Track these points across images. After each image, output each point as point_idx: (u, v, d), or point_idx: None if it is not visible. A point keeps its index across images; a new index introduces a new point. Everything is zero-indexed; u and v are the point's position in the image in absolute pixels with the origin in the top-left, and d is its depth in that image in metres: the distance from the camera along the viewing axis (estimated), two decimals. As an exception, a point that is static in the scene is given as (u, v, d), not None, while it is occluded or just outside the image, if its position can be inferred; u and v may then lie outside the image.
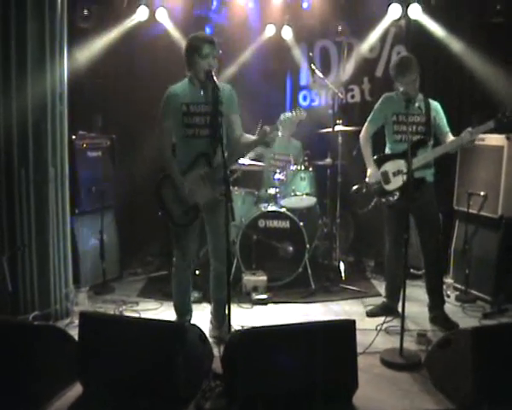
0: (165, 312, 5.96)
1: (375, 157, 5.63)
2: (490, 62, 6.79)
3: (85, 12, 7.14)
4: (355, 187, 6.03)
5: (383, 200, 5.56)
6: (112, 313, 5.78)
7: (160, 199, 4.91)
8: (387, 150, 5.67)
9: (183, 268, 5.23)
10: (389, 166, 5.54)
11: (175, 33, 7.90)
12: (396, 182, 5.48)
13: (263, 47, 8.11)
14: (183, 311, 5.31)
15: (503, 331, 4.24)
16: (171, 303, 6.03)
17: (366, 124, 5.71)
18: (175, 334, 3.96)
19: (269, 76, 8.21)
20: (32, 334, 4.16)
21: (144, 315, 5.81)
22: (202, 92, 4.86)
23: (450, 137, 5.46)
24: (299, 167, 6.85)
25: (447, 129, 5.53)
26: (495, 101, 6.45)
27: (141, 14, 7.59)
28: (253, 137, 5.02)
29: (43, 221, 5.49)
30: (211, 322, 5.31)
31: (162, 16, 7.75)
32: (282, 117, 5.14)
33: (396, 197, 5.45)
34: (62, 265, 5.69)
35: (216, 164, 4.82)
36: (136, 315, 5.78)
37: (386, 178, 5.54)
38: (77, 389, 4.12)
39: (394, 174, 5.50)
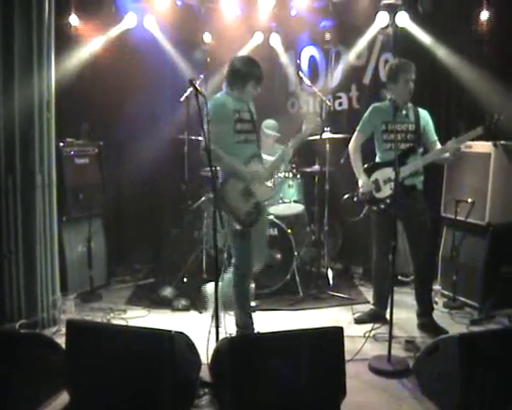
0: (152, 319, 5.93)
1: (365, 166, 5.64)
2: (476, 70, 6.82)
3: (73, 19, 7.13)
4: (346, 196, 6.04)
5: (374, 208, 5.58)
6: (99, 320, 5.75)
7: (224, 201, 4.85)
8: (377, 159, 5.70)
9: (245, 277, 5.23)
10: (379, 175, 5.56)
11: (163, 40, 7.91)
12: (386, 190, 5.50)
13: (251, 54, 8.10)
14: (246, 324, 5.27)
15: (490, 338, 4.25)
16: (159, 311, 6.05)
17: (355, 134, 5.72)
18: (162, 342, 3.94)
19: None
20: (19, 342, 4.13)
21: (132, 323, 5.77)
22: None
23: (438, 146, 5.50)
24: (286, 175, 6.85)
25: (435, 138, 5.58)
26: (482, 108, 6.48)
27: (129, 20, 7.60)
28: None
29: (30, 228, 5.46)
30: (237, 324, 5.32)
31: (150, 23, 7.75)
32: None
33: (386, 205, 5.47)
34: (49, 272, 5.65)
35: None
36: (123, 323, 5.76)
37: (377, 186, 5.56)
38: (64, 398, 4.09)
39: (385, 182, 5.52)
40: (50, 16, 5.53)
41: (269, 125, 7.18)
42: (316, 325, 5.33)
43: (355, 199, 5.75)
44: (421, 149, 5.52)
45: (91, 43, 7.34)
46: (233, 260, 5.17)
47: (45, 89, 5.51)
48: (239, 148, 4.97)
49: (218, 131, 4.78)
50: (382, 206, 5.52)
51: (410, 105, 5.53)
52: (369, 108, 5.71)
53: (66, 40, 6.89)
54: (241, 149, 4.98)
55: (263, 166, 5.12)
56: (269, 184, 5.26)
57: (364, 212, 5.72)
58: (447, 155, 5.37)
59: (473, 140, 5.45)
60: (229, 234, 5.10)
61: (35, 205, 5.47)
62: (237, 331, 5.22)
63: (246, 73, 5.00)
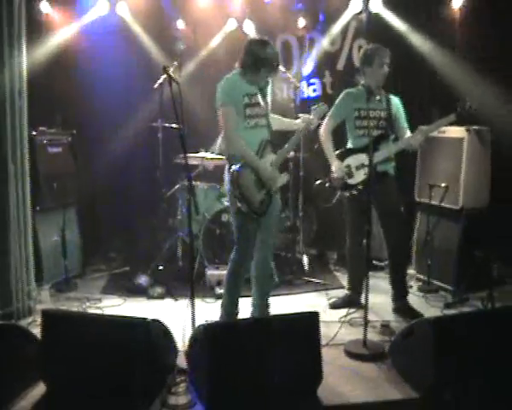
0: (128, 308, 5.92)
1: (336, 152, 5.66)
2: (449, 55, 6.86)
3: (44, 6, 7.06)
4: (318, 181, 6.05)
5: (346, 193, 5.61)
6: (75, 310, 5.72)
7: (239, 189, 4.79)
8: (349, 145, 5.72)
9: (242, 267, 5.18)
10: (351, 161, 5.59)
11: (135, 27, 7.86)
12: (359, 175, 5.54)
13: (224, 41, 8.08)
14: (232, 311, 5.24)
15: (464, 321, 4.30)
16: (135, 299, 6.03)
17: (326, 119, 5.71)
18: (138, 330, 3.93)
19: (231, 70, 8.19)
20: (-6, 333, 4.11)
21: (107, 312, 5.75)
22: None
23: (408, 134, 5.53)
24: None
25: (405, 125, 5.63)
26: (455, 93, 6.53)
27: (101, 7, 7.54)
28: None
29: (3, 218, 5.40)
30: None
31: (122, 10, 7.70)
32: (313, 108, 5.17)
33: (358, 191, 5.51)
34: (24, 262, 5.61)
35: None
36: (99, 312, 5.73)
37: (349, 171, 5.58)
38: (40, 389, 4.07)
39: (357, 168, 5.55)
40: (21, 3, 5.47)
41: None
42: (291, 311, 5.35)
43: (327, 185, 5.77)
44: (392, 136, 5.55)
45: (63, 31, 7.27)
46: (234, 247, 5.12)
47: (17, 77, 5.45)
48: (249, 133, 4.85)
49: (234, 113, 4.77)
50: (354, 192, 5.55)
51: (382, 92, 5.56)
52: (341, 94, 5.72)
53: (37, 28, 6.82)
54: (252, 135, 4.87)
55: (274, 155, 5.02)
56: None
57: (337, 197, 5.75)
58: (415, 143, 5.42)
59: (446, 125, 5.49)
60: (237, 225, 5.04)
61: (8, 195, 5.41)
62: (220, 317, 5.23)
63: (261, 57, 4.83)
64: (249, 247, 5.06)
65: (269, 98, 5.15)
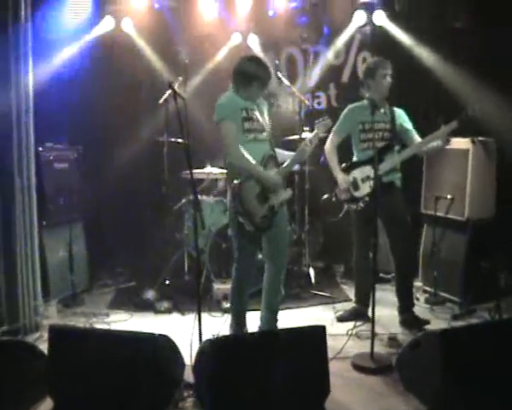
0: (135, 323, 5.92)
1: (342, 166, 5.68)
2: (453, 67, 6.87)
3: (50, 23, 7.09)
4: (325, 196, 6.07)
5: (353, 206, 5.62)
6: (82, 325, 5.72)
7: (240, 203, 4.79)
8: (355, 159, 5.75)
9: (243, 284, 5.23)
10: (357, 173, 5.61)
11: (141, 43, 7.90)
12: (365, 188, 5.55)
13: (229, 55, 8.11)
14: (239, 326, 5.26)
15: (471, 332, 4.29)
16: (141, 314, 6.03)
17: (331, 135, 5.75)
18: (145, 345, 3.94)
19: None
20: (1, 350, 4.11)
21: (114, 327, 5.75)
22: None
23: (418, 140, 5.56)
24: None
25: (414, 134, 5.64)
26: (460, 104, 6.53)
27: (106, 24, 7.59)
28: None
29: (10, 234, 5.42)
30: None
31: (128, 26, 7.75)
32: (317, 122, 5.19)
33: (365, 203, 5.52)
34: (31, 278, 5.61)
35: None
36: (106, 327, 5.73)
37: (355, 184, 5.60)
38: (47, 404, 4.07)
39: (363, 180, 5.57)
40: (27, 20, 5.50)
41: None
42: (298, 324, 5.34)
43: (333, 199, 5.78)
44: (397, 147, 5.57)
45: (69, 47, 7.31)
46: (234, 266, 5.16)
47: (23, 93, 5.47)
48: (249, 147, 4.85)
49: (233, 128, 4.79)
50: (361, 204, 5.56)
51: (386, 105, 5.59)
52: (345, 110, 5.77)
53: (43, 44, 6.85)
54: (252, 149, 4.86)
55: (277, 169, 5.03)
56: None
57: (344, 211, 5.76)
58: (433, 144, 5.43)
59: (451, 135, 5.48)
60: (234, 237, 5.08)
61: (15, 210, 5.43)
62: (229, 329, 5.26)
63: (250, 73, 4.91)
64: (248, 266, 5.12)
65: (266, 117, 5.16)
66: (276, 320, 5.24)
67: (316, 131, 5.12)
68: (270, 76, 5.04)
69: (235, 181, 4.79)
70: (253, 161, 4.82)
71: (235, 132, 4.81)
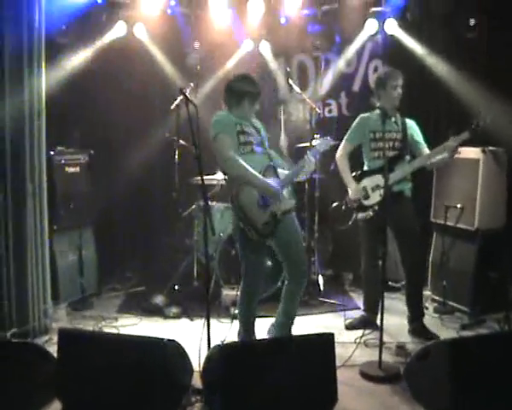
0: (144, 327, 5.94)
1: (353, 174, 5.70)
2: (466, 77, 6.86)
3: (63, 27, 7.13)
4: (334, 204, 6.08)
5: (362, 215, 5.62)
6: (91, 329, 5.75)
7: (241, 210, 4.82)
8: (365, 168, 5.77)
9: (253, 295, 5.23)
10: (367, 182, 5.62)
11: (153, 48, 7.93)
12: (375, 197, 5.56)
13: (241, 62, 8.14)
14: (248, 332, 5.27)
15: (480, 342, 4.28)
16: (150, 318, 6.05)
17: (342, 143, 5.80)
18: (154, 350, 3.95)
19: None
20: (10, 351, 4.14)
21: (123, 331, 5.77)
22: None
23: (427, 152, 5.57)
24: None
25: (424, 146, 5.65)
26: (471, 114, 6.51)
27: (119, 29, 7.62)
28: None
29: (21, 237, 5.45)
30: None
31: (140, 31, 7.78)
32: (317, 142, 5.23)
33: (375, 212, 5.52)
34: (41, 281, 5.64)
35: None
36: (115, 331, 5.75)
37: (365, 193, 5.61)
38: (56, 407, 4.08)
39: (373, 189, 5.58)
40: (41, 24, 5.54)
41: None
42: (307, 332, 5.34)
43: (343, 207, 5.80)
44: (407, 157, 5.58)
45: (82, 52, 7.34)
46: (243, 278, 5.16)
47: (36, 99, 5.52)
48: (246, 159, 4.85)
49: (228, 140, 4.83)
50: (371, 213, 5.57)
51: (397, 115, 5.61)
52: (357, 119, 5.80)
53: (56, 48, 6.89)
54: (250, 161, 4.86)
55: (277, 179, 5.01)
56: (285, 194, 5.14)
57: (353, 220, 5.77)
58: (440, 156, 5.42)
59: (461, 146, 5.48)
60: (239, 247, 5.09)
61: (26, 214, 5.46)
62: (238, 336, 5.29)
63: (240, 90, 5.00)
64: (254, 275, 5.12)
65: (264, 133, 5.24)
66: (291, 327, 5.22)
67: (316, 148, 5.19)
68: (259, 91, 5.11)
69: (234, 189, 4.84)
70: (252, 170, 4.82)
71: (231, 144, 4.84)
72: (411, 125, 5.70)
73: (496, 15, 6.72)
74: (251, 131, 5.04)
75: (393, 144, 5.56)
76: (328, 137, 5.25)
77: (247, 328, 5.23)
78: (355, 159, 5.84)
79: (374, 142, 5.64)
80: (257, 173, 4.83)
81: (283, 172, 5.13)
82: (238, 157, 4.80)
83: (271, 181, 4.91)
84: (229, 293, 6.35)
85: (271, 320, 5.41)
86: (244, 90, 5.01)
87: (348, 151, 5.78)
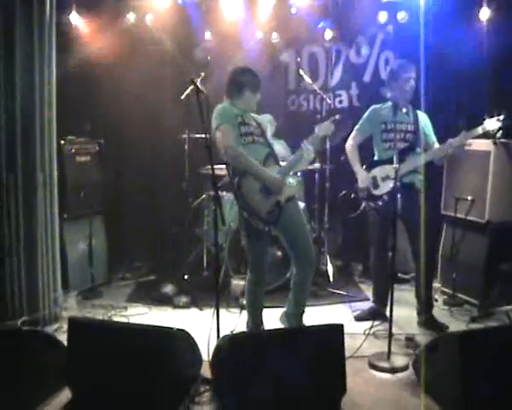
0: (153, 317, 5.96)
1: (363, 166, 5.69)
2: (478, 68, 6.81)
3: (74, 17, 7.14)
4: (343, 192, 6.06)
5: (371, 204, 5.61)
6: (100, 318, 5.78)
7: (244, 199, 4.86)
8: (376, 158, 5.75)
9: (259, 284, 5.25)
10: (378, 172, 5.61)
11: (163, 38, 7.92)
12: (384, 187, 5.54)
13: (251, 53, 8.11)
14: (256, 323, 5.30)
15: (490, 335, 4.27)
16: (160, 308, 6.07)
17: (353, 133, 5.79)
18: (163, 339, 3.96)
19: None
20: (21, 339, 4.15)
21: (133, 320, 5.80)
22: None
23: (437, 146, 5.55)
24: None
25: (434, 139, 5.65)
26: (482, 107, 6.48)
27: (130, 19, 7.62)
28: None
29: (31, 226, 5.48)
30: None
31: (151, 21, 7.76)
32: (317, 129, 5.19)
33: (384, 202, 5.51)
34: (51, 270, 5.67)
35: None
36: (124, 320, 5.78)
37: (374, 182, 5.60)
38: (66, 395, 4.10)
39: (383, 179, 5.56)
40: (52, 14, 5.55)
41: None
42: (316, 323, 5.35)
43: (352, 195, 5.79)
44: (418, 149, 5.56)
45: (92, 42, 7.35)
46: (249, 268, 5.19)
47: (46, 87, 5.53)
48: (247, 149, 4.90)
49: (230, 130, 4.87)
50: (380, 202, 5.55)
51: (410, 107, 5.58)
52: (369, 110, 5.80)
53: (67, 38, 6.90)
54: (251, 150, 4.92)
55: (278, 167, 5.04)
56: (291, 180, 5.20)
57: (362, 208, 5.76)
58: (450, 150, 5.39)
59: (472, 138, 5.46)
60: (243, 237, 5.12)
61: (36, 203, 5.48)
62: (246, 327, 5.31)
63: (240, 81, 5.09)
64: (260, 265, 5.15)
65: (268, 130, 5.37)
66: (302, 316, 5.25)
67: (316, 132, 5.10)
68: (259, 81, 5.18)
69: (235, 179, 4.87)
70: (253, 160, 4.86)
71: (233, 134, 4.88)
72: (424, 118, 5.69)
73: (509, 5, 6.69)
74: (252, 122, 5.09)
75: (405, 136, 5.55)
76: (331, 118, 5.16)
77: (255, 318, 5.25)
78: (365, 150, 5.82)
79: (385, 133, 5.62)
80: (257, 163, 4.87)
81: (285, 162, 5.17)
82: (239, 147, 4.84)
83: (272, 170, 4.93)
84: (239, 283, 6.36)
85: (280, 311, 5.43)
86: (244, 80, 5.10)
87: (358, 141, 5.79)
